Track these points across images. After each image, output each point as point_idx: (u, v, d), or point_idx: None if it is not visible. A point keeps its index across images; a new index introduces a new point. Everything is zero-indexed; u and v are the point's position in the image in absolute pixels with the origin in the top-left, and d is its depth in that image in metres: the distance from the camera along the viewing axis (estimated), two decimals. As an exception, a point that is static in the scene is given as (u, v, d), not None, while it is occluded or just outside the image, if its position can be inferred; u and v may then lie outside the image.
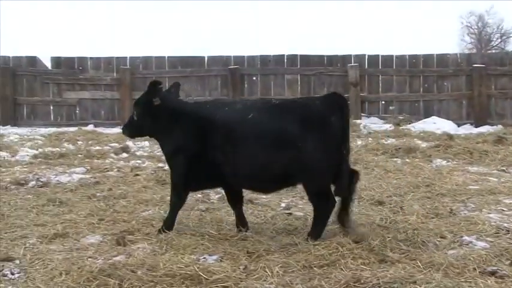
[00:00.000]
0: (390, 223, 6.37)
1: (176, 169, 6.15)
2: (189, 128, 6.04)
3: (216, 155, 5.87)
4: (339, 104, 5.77)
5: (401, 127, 14.99)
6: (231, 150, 5.79)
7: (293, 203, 7.60)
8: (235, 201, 6.30)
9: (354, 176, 5.89)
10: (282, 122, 5.68)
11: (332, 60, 17.13)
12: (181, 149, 6.04)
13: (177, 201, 6.22)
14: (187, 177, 6.09)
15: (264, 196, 7.91)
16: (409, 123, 15.56)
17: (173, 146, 6.11)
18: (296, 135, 5.61)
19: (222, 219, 6.69)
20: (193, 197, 7.94)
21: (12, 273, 5.00)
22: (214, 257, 5.41)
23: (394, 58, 17.06)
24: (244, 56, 17.11)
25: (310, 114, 5.70)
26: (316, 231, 5.76)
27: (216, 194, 8.10)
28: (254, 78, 16.97)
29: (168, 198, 7.72)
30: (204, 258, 5.39)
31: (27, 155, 11.12)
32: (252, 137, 5.73)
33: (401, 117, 16.15)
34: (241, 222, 6.28)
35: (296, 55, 17.17)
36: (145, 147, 12.13)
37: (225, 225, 6.44)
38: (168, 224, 6.16)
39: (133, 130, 6.52)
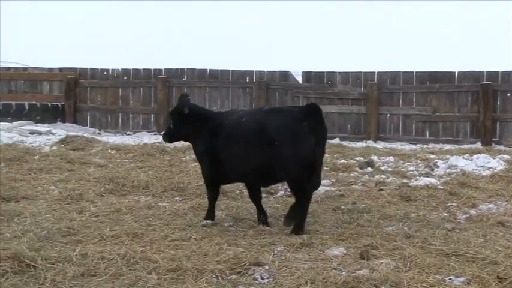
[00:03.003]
0: None
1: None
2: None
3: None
4: (313, 112, 6.77)
5: None
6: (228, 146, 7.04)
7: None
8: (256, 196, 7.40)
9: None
10: (265, 124, 6.81)
11: None
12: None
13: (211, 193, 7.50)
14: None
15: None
16: None
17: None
18: (274, 136, 6.71)
19: (470, 240, 6.42)
20: (439, 215, 7.75)
21: (262, 278, 5.27)
22: (461, 279, 5.22)
23: None
24: (498, 72, 16.27)
25: (287, 119, 6.79)
26: (300, 220, 6.82)
27: (464, 214, 7.81)
28: (508, 94, 16.06)
29: (413, 215, 7.65)
30: (450, 279, 5.22)
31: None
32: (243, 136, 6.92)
33: None
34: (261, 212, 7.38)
35: (561, 69, 15.90)
36: (390, 162, 12.06)
37: (472, 246, 6.16)
38: None
39: (170, 137, 7.71)
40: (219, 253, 5.86)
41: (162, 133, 7.95)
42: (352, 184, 9.91)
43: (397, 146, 15.06)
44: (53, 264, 5.44)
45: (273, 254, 5.92)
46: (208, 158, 7.22)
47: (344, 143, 15.38)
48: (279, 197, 8.89)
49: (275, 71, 17.89)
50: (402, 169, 11.23)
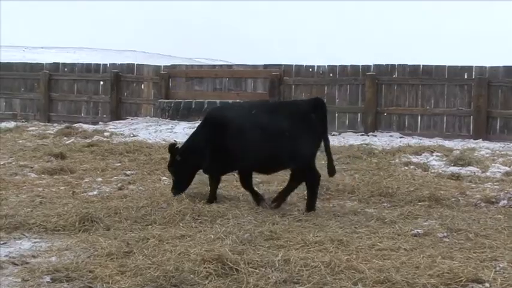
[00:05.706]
0: None
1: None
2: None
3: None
4: (318, 105, 7.64)
5: None
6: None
7: None
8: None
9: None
10: (275, 117, 7.63)
11: None
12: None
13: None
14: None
15: None
16: None
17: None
18: (285, 127, 7.50)
19: None
20: None
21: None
22: None
23: None
24: None
25: (296, 111, 7.69)
26: (312, 201, 7.63)
27: None
28: None
29: None
30: None
31: (499, 172, 10.70)
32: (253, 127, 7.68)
33: None
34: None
35: None
36: None
37: None
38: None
39: (180, 187, 8.14)
40: (432, 266, 5.42)
41: (171, 188, 8.29)
42: None
43: None
44: (256, 268, 5.35)
45: (495, 271, 5.34)
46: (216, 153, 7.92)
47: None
48: (501, 206, 8.09)
49: (498, 66, 16.63)
50: None
